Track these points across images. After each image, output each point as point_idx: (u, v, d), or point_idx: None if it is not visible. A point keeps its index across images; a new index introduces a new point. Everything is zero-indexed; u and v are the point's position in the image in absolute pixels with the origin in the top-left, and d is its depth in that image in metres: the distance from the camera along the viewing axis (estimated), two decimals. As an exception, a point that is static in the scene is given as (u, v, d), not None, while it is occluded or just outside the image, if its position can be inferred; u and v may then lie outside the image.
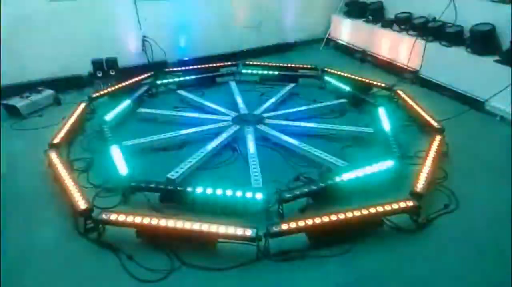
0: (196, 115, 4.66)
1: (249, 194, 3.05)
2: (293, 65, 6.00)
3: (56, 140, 3.86)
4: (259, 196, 3.04)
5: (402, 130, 4.33)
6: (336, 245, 2.80)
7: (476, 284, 2.58)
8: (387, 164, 3.48)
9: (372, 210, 2.87)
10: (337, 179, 3.25)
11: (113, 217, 2.83)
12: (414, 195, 3.08)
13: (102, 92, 5.04)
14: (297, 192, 3.09)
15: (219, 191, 3.08)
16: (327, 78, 5.57)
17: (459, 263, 2.71)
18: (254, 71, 5.89)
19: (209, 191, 3.08)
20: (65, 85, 5.44)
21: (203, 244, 2.78)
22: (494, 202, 3.27)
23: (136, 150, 3.91)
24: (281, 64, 6.04)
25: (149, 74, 5.58)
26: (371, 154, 3.75)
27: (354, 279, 2.60)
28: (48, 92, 5.09)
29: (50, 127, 4.30)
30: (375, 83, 5.32)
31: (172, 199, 3.17)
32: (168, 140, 4.08)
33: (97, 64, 5.36)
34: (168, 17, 6.03)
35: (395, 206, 2.93)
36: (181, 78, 5.64)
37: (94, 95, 4.92)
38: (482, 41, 4.93)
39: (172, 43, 6.13)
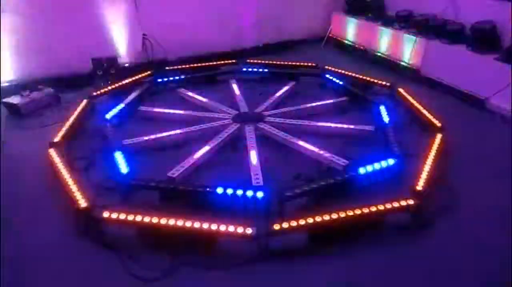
0: (196, 113, 4.65)
1: (249, 193, 3.05)
2: (293, 63, 5.99)
3: (56, 139, 3.86)
4: (259, 194, 3.04)
5: (403, 128, 4.32)
6: (337, 243, 2.80)
7: (477, 283, 2.57)
8: (388, 162, 3.47)
9: (373, 209, 2.87)
10: (338, 177, 3.24)
11: (113, 216, 2.83)
12: (415, 194, 3.07)
13: (102, 91, 5.03)
14: (298, 191, 3.09)
15: (219, 190, 3.07)
16: (327, 76, 5.56)
17: (460, 262, 2.71)
18: (255, 69, 5.88)
19: (209, 189, 3.08)
20: (65, 83, 5.44)
21: (203, 243, 2.78)
22: (495, 201, 3.26)
23: (136, 149, 3.91)
24: (281, 62, 6.03)
25: (149, 72, 5.57)
26: (372, 153, 3.74)
27: (354, 277, 2.60)
28: (48, 90, 5.09)
29: (50, 126, 4.29)
30: (376, 81, 5.32)
31: (172, 197, 3.16)
32: (168, 138, 4.08)
33: (97, 62, 5.35)
34: (168, 15, 6.01)
35: (395, 204, 2.92)
36: (182, 77, 5.63)
37: (94, 94, 4.92)
38: (483, 39, 4.92)
39: (172, 41, 6.12)
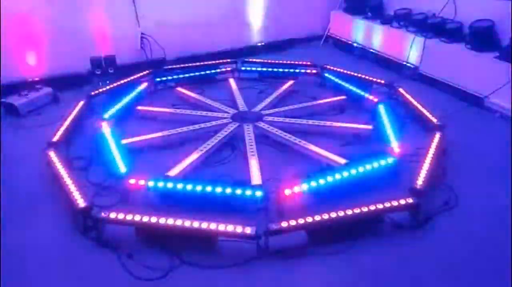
0: (195, 112, 4.64)
1: (248, 192, 3.05)
2: (292, 62, 5.98)
3: (55, 138, 3.85)
4: (258, 194, 3.04)
5: (402, 127, 4.32)
6: (336, 242, 2.80)
7: (476, 282, 2.57)
8: (387, 161, 3.47)
9: (372, 208, 2.87)
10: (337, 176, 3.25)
11: (112, 215, 2.83)
12: (414, 192, 3.07)
13: (100, 90, 5.02)
14: (297, 190, 3.08)
15: (218, 189, 3.07)
16: (326, 75, 5.56)
17: (459, 261, 2.71)
18: (254, 68, 5.87)
19: (208, 189, 3.08)
20: (64, 83, 5.42)
21: (202, 242, 2.77)
22: (493, 199, 3.26)
23: (135, 148, 3.90)
24: (280, 61, 6.02)
25: (147, 71, 5.56)
26: (371, 152, 3.74)
27: (354, 276, 2.60)
28: (47, 90, 5.08)
29: (49, 126, 4.28)
30: (374, 80, 5.31)
31: (171, 197, 3.16)
32: (167, 138, 4.07)
33: (95, 62, 5.34)
34: (166, 14, 6.00)
35: (394, 203, 2.92)
36: (180, 76, 5.62)
37: (92, 93, 4.91)
38: (482, 37, 4.92)
39: (171, 40, 6.11)
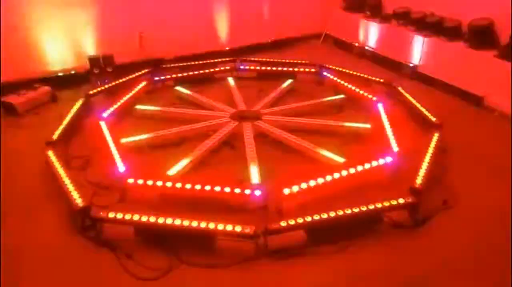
0: (194, 111, 4.63)
1: (247, 191, 3.04)
2: (291, 61, 5.97)
3: (53, 138, 3.83)
4: (257, 192, 3.04)
5: (401, 125, 4.31)
6: (335, 242, 2.80)
7: (475, 281, 2.58)
8: (386, 160, 3.47)
9: (371, 207, 2.87)
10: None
11: (111, 215, 2.83)
12: (413, 192, 3.07)
13: (99, 89, 5.01)
14: (296, 189, 3.08)
15: (217, 188, 3.06)
16: (325, 73, 5.55)
17: (458, 260, 2.71)
18: (252, 67, 5.86)
19: (207, 188, 3.07)
20: (62, 82, 5.41)
21: (201, 242, 2.77)
22: (492, 198, 3.26)
23: (133, 147, 3.89)
24: (279, 60, 6.01)
25: (146, 70, 5.55)
26: (370, 150, 3.74)
27: (353, 275, 2.60)
28: (45, 89, 5.06)
29: (47, 125, 4.27)
30: (373, 78, 5.31)
31: (171, 196, 3.15)
32: (165, 137, 4.06)
33: (94, 61, 5.33)
34: (165, 13, 5.98)
35: (393, 202, 2.93)
36: (179, 75, 5.61)
37: (91, 92, 4.89)
38: (481, 35, 4.92)
39: (169, 39, 6.09)
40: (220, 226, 2.70)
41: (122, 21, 5.74)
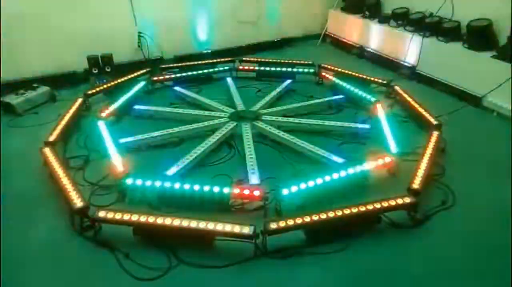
0: (192, 112, 4.63)
1: (246, 191, 3.04)
2: (290, 61, 5.98)
3: (51, 138, 3.83)
4: (256, 193, 3.04)
5: (399, 126, 4.32)
6: (334, 242, 2.80)
7: (474, 281, 2.58)
8: (385, 160, 3.48)
9: (370, 207, 2.87)
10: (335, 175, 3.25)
11: (109, 215, 2.82)
12: (412, 192, 3.07)
13: (97, 89, 5.00)
14: (295, 189, 3.08)
15: (216, 189, 3.06)
16: (324, 74, 5.55)
17: (457, 260, 2.72)
18: (251, 67, 5.86)
19: (206, 188, 3.07)
20: (61, 82, 5.40)
21: (200, 242, 2.77)
22: (491, 198, 3.27)
23: (132, 147, 3.89)
24: (278, 60, 6.01)
25: (145, 70, 5.54)
26: (369, 151, 3.74)
27: (352, 275, 2.60)
28: (44, 89, 5.05)
29: (46, 125, 4.27)
30: (372, 79, 5.31)
31: (169, 196, 3.15)
32: (164, 137, 4.06)
33: (92, 60, 5.32)
34: (164, 13, 5.98)
35: (392, 202, 2.93)
36: (178, 75, 5.61)
37: (89, 92, 4.89)
38: (479, 36, 4.92)
39: (168, 39, 6.09)
40: (219, 226, 2.70)
41: (121, 20, 5.74)
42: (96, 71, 5.36)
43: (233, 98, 4.96)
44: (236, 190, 3.05)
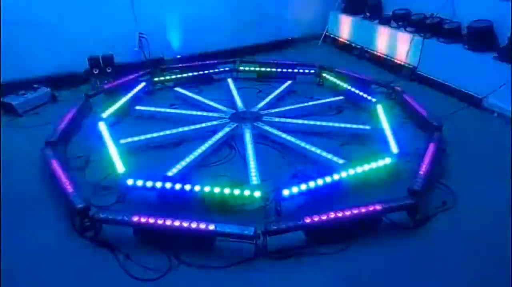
0: (193, 112, 4.63)
1: (247, 192, 3.04)
2: (290, 62, 5.98)
3: (52, 138, 3.83)
4: (257, 194, 3.03)
5: (400, 127, 4.32)
6: (334, 243, 2.80)
7: (474, 282, 2.57)
8: (385, 161, 3.47)
9: (370, 208, 2.87)
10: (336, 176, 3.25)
11: (110, 215, 2.82)
12: (412, 193, 3.07)
13: (98, 90, 5.00)
14: (295, 190, 3.08)
15: (216, 189, 3.06)
16: (324, 75, 5.56)
17: (457, 261, 2.71)
18: (252, 68, 5.87)
19: (206, 189, 3.07)
20: (61, 82, 5.40)
21: (201, 243, 2.77)
22: (492, 199, 3.26)
23: (133, 148, 3.89)
24: (278, 61, 6.01)
25: (146, 71, 5.55)
26: (369, 152, 3.74)
27: (352, 276, 2.60)
28: (44, 89, 5.06)
29: (47, 125, 4.27)
30: (373, 80, 5.31)
31: (170, 197, 3.15)
32: (165, 137, 4.06)
33: (93, 61, 5.32)
34: (165, 14, 5.99)
35: (393, 203, 2.92)
36: (178, 75, 5.61)
37: (90, 93, 4.89)
38: (480, 37, 4.93)
39: (169, 40, 6.09)
40: (220, 227, 2.70)
41: (122, 21, 5.74)
42: (97, 72, 5.36)
43: (234, 99, 4.96)
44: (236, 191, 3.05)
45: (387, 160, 3.49)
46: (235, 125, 4.27)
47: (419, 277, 2.59)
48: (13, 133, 4.35)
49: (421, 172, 3.28)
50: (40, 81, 5.19)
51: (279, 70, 5.79)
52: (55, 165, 3.40)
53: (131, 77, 5.33)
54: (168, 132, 4.10)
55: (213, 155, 3.87)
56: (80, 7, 5.40)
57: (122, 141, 3.91)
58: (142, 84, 5.26)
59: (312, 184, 3.15)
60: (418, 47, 5.58)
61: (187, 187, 3.10)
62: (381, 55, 6.31)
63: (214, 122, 4.34)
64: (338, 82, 5.30)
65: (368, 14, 6.71)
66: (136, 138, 3.98)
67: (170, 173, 3.41)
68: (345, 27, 7.12)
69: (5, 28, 4.95)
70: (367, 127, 4.23)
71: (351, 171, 3.33)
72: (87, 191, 3.27)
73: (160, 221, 2.75)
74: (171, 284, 2.54)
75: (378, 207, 2.88)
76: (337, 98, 5.00)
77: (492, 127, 4.48)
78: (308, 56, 6.27)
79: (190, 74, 5.65)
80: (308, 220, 2.76)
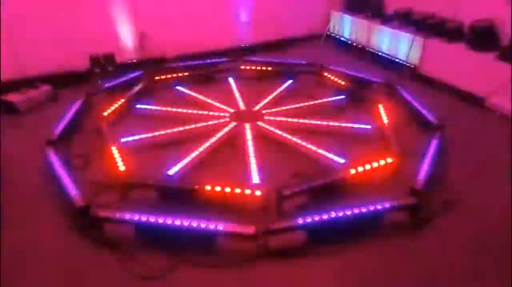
0: (194, 111, 4.63)
1: (247, 191, 3.04)
2: (292, 61, 5.97)
3: (53, 137, 3.83)
4: (258, 193, 3.03)
5: (401, 126, 4.32)
6: (335, 242, 2.79)
7: (475, 281, 2.57)
8: (386, 161, 3.47)
9: (371, 208, 2.86)
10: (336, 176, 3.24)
11: (111, 214, 2.82)
12: (414, 192, 3.07)
13: (100, 88, 4.99)
14: (296, 189, 3.08)
15: (217, 188, 3.06)
16: (326, 74, 5.55)
17: (458, 260, 2.71)
18: (253, 67, 5.86)
19: (207, 188, 3.07)
20: (63, 81, 5.40)
21: (202, 242, 2.77)
22: (493, 199, 3.26)
23: (134, 147, 3.89)
24: (280, 60, 6.01)
25: (147, 70, 5.54)
26: (370, 151, 3.74)
27: (353, 276, 2.60)
28: (46, 88, 5.06)
29: (48, 124, 4.26)
30: (374, 79, 5.30)
31: (171, 196, 3.15)
32: (166, 136, 4.06)
33: (94, 60, 5.32)
34: (166, 13, 5.98)
35: (394, 203, 2.92)
36: (180, 74, 5.61)
37: (91, 91, 4.88)
38: (482, 37, 4.92)
39: (170, 38, 6.09)
40: (221, 226, 2.70)
41: (124, 20, 5.74)
42: (98, 70, 5.36)
43: (235, 98, 4.96)
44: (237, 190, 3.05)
45: (388, 160, 3.48)
46: (236, 124, 4.26)
47: (420, 277, 2.59)
48: (14, 131, 4.35)
49: (422, 172, 3.28)
50: (41, 80, 5.19)
51: (280, 69, 5.78)
52: (56, 163, 3.40)
53: (132, 75, 5.33)
54: (169, 131, 4.09)
55: (214, 155, 3.87)
56: (81, 6, 5.39)
57: (123, 139, 3.91)
58: (144, 83, 5.26)
59: (312, 183, 3.15)
60: (420, 46, 5.57)
61: (188, 186, 3.10)
62: (383, 54, 6.30)
63: (215, 121, 4.33)
64: (339, 81, 5.29)
65: (369, 13, 6.70)
66: (137, 137, 3.99)
67: (171, 172, 3.41)
68: (347, 26, 7.11)
69: (7, 26, 4.95)
70: (368, 126, 4.23)
71: (352, 171, 3.32)
72: (87, 190, 3.27)
73: (161, 220, 2.75)
74: (172, 282, 2.54)
75: (379, 206, 2.88)
76: (338, 97, 5.00)
77: (494, 126, 4.46)
78: (310, 55, 6.26)
79: (191, 73, 5.65)
80: (309, 220, 2.76)
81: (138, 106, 4.74)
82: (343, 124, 4.28)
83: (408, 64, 5.80)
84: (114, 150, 3.67)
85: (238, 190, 3.05)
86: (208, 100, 4.89)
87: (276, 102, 4.97)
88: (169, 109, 4.71)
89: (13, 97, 4.74)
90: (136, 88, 5.07)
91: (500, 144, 4.02)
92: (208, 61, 5.99)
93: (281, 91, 5.18)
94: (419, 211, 2.98)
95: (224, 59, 6.06)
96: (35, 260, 2.72)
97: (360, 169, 3.35)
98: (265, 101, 4.84)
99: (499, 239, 2.85)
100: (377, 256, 2.74)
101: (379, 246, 2.81)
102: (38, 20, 5.15)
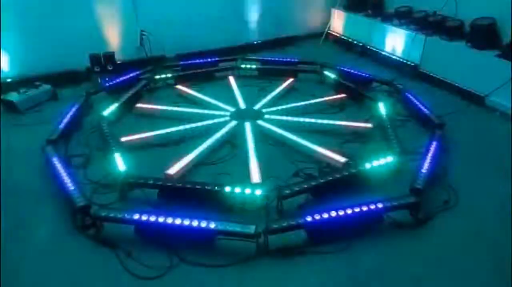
0: (194, 110, 4.62)
1: (248, 190, 3.03)
2: (292, 60, 5.96)
3: (53, 136, 3.83)
4: (258, 192, 3.03)
5: (402, 125, 4.31)
6: (335, 241, 2.79)
7: (475, 280, 2.57)
8: (387, 159, 3.46)
9: (372, 207, 2.86)
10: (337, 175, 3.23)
11: (111, 213, 2.82)
12: (414, 191, 3.06)
13: (99, 87, 4.99)
14: (297, 188, 3.07)
15: (217, 187, 3.05)
16: (326, 72, 5.54)
17: (458, 259, 2.70)
18: (253, 66, 5.85)
19: (207, 187, 3.06)
20: (63, 80, 5.39)
21: (202, 241, 2.76)
22: (494, 198, 3.25)
23: (134, 146, 3.89)
24: (280, 59, 6.00)
25: (147, 68, 5.53)
26: (371, 150, 3.73)
27: (354, 275, 2.59)
28: (46, 87, 5.06)
29: (48, 123, 4.26)
30: (374, 78, 5.29)
31: (170, 195, 3.15)
32: (166, 135, 4.06)
33: (94, 59, 5.32)
34: (166, 11, 5.97)
35: (395, 202, 2.91)
36: (180, 73, 5.60)
37: (91, 91, 4.88)
38: (483, 35, 4.90)
39: (170, 37, 6.08)
40: (221, 225, 2.69)
41: (124, 19, 5.73)
42: (98, 70, 5.35)
43: (235, 96, 4.95)
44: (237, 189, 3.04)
45: (389, 158, 3.48)
46: (237, 123, 4.25)
47: (420, 277, 2.58)
48: (14, 130, 4.35)
49: (423, 171, 3.27)
50: (42, 79, 5.19)
51: (281, 67, 5.77)
52: (56, 163, 3.40)
53: (132, 74, 5.33)
54: (169, 130, 4.09)
55: (214, 153, 3.86)
56: (82, 5, 5.38)
57: (123, 139, 3.91)
58: (144, 82, 5.26)
59: (313, 182, 3.14)
60: (421, 45, 5.55)
61: (188, 185, 3.09)
62: (383, 52, 6.28)
63: (216, 120, 4.33)
64: (340, 79, 5.28)
65: (370, 11, 6.69)
66: (137, 136, 3.98)
67: (171, 172, 3.41)
68: (347, 25, 7.09)
69: (7, 26, 4.95)
70: (369, 125, 4.22)
71: (353, 169, 3.31)
72: (88, 189, 3.27)
73: (161, 219, 2.74)
74: (172, 282, 2.54)
75: (379, 205, 2.87)
76: (339, 96, 4.99)
77: (495, 125, 4.45)
78: (310, 53, 6.25)
79: (192, 71, 5.64)
80: (309, 219, 2.75)
81: (138, 105, 4.73)
82: (344, 123, 4.27)
83: (409, 63, 5.79)
84: (114, 149, 3.66)
85: (238, 189, 3.04)
86: (208, 99, 4.88)
87: (276, 100, 4.97)
88: (169, 108, 4.71)
89: (13, 97, 4.74)
90: (137, 87, 5.07)
91: (501, 143, 4.00)
92: (209, 59, 5.98)
93: (281, 90, 5.16)
94: (419, 210, 2.97)
95: (224, 58, 6.04)
96: (35, 259, 2.71)
97: (361, 167, 3.34)
98: (266, 99, 4.83)
99: (499, 238, 2.84)
100: (378, 255, 2.73)
101: (379, 245, 2.80)
102: (38, 20, 5.15)
